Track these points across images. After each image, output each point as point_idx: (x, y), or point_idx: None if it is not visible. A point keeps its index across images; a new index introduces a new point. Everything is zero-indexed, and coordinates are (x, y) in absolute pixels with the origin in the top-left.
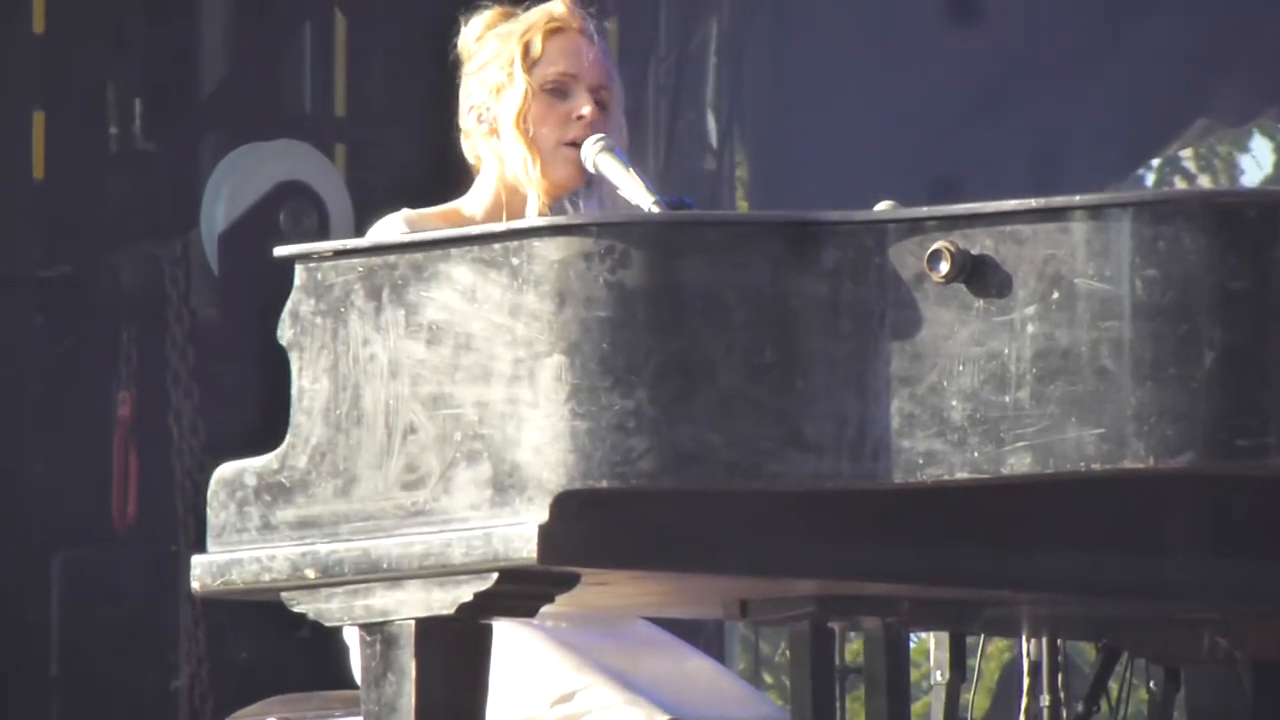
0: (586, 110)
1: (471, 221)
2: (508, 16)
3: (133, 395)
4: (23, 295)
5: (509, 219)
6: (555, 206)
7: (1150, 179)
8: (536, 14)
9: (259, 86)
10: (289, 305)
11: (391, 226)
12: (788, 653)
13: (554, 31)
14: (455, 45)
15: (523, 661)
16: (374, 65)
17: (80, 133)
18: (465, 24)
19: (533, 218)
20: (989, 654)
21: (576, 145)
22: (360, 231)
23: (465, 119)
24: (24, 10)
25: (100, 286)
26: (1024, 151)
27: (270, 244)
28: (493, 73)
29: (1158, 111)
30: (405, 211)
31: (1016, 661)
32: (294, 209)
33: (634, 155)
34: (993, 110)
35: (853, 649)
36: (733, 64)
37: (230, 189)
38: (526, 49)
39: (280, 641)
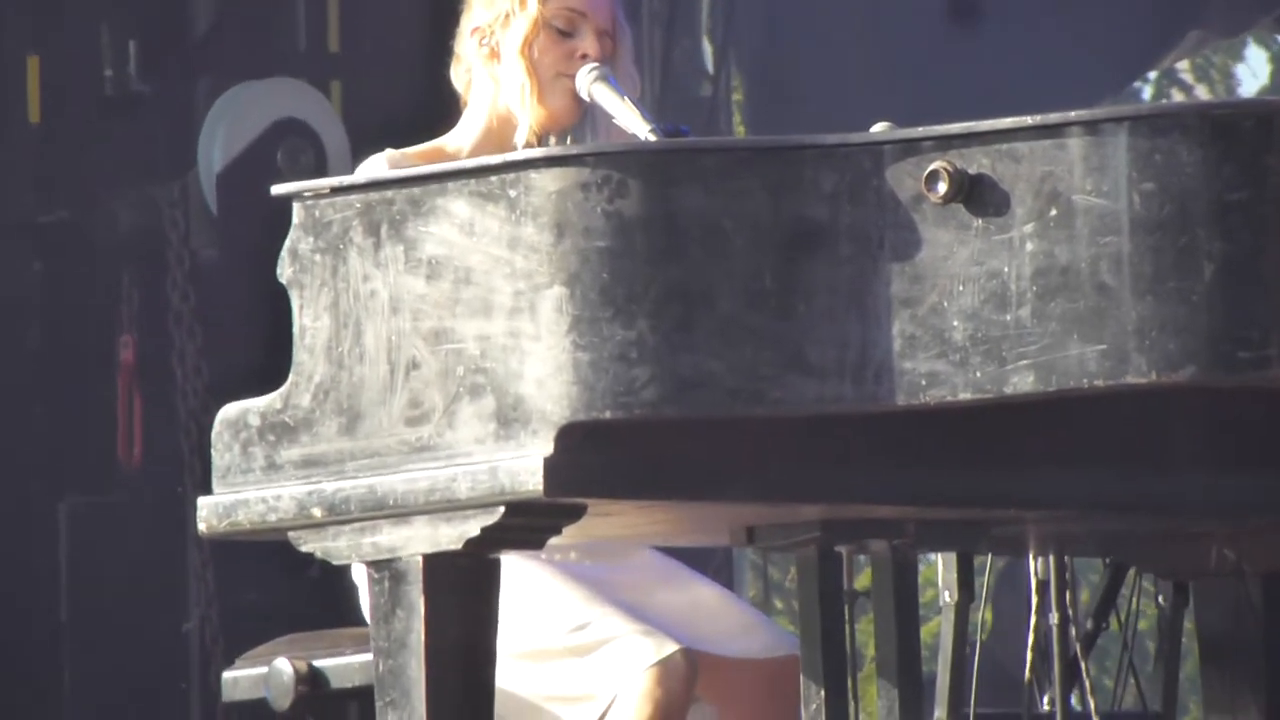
0: (591, 50)
1: (456, 157)
2: None
3: (135, 338)
4: (21, 242)
5: (499, 149)
6: (544, 141)
7: (1147, 92)
8: None
9: (252, 25)
10: (288, 243)
11: (376, 167)
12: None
13: None
14: None
15: (532, 594)
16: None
17: (75, 76)
18: None
19: (529, 150)
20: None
21: (575, 78)
22: (357, 167)
23: (464, 42)
24: None
25: (99, 230)
26: (1016, 62)
27: (268, 183)
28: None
29: (1152, 23)
30: (389, 152)
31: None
32: (291, 147)
33: (640, 85)
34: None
35: (863, 579)
36: None
37: (226, 129)
38: None
39: (289, 581)
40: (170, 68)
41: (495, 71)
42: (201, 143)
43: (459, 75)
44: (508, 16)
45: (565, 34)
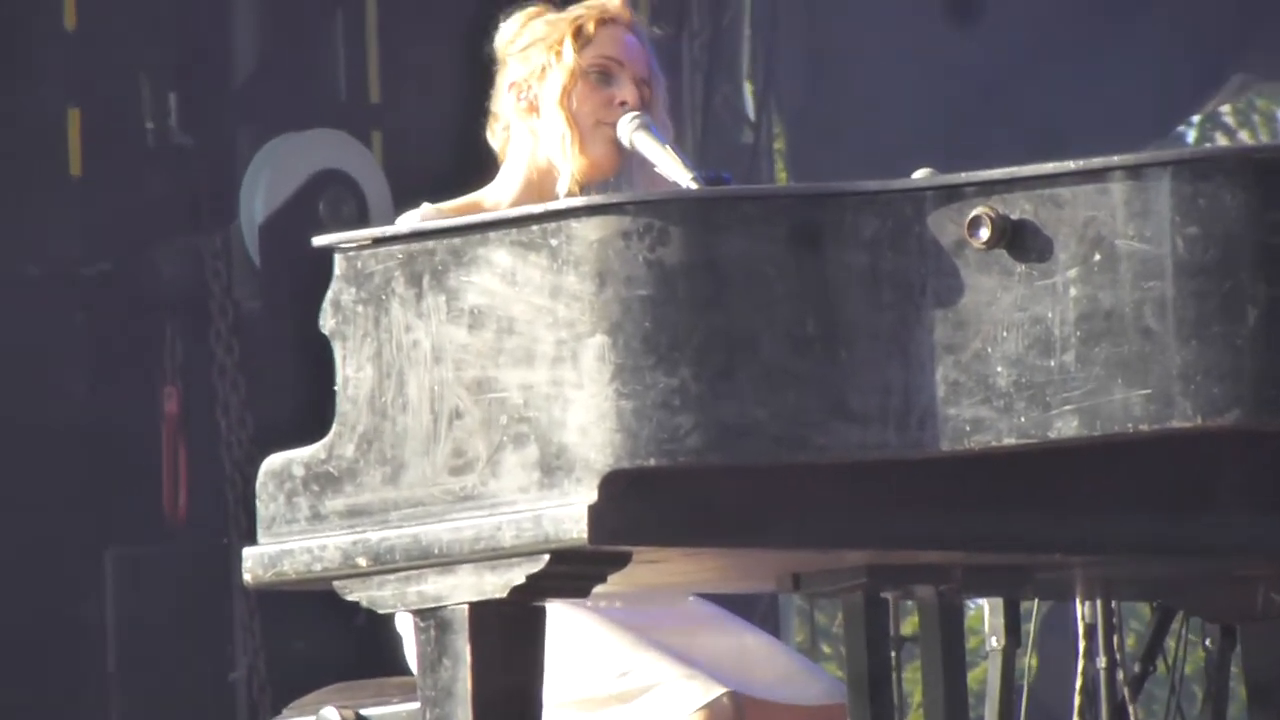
0: (629, 98)
1: (494, 210)
2: (544, 12)
3: (179, 390)
4: (64, 294)
5: (539, 201)
6: (585, 192)
7: (1191, 136)
8: (590, 4)
9: (293, 75)
10: (330, 294)
11: (412, 222)
12: None
13: (604, 21)
14: (492, 41)
15: (578, 642)
16: (407, 50)
17: (116, 128)
18: (505, 19)
19: (569, 198)
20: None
21: (615, 127)
22: (399, 217)
23: (500, 100)
24: (55, 7)
25: (141, 282)
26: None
27: (310, 233)
28: (538, 52)
29: (1195, 68)
30: (425, 206)
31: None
32: (332, 197)
33: (675, 133)
34: (1019, 82)
35: (910, 625)
36: (767, 36)
37: (268, 179)
38: (578, 30)
39: (336, 630)
40: (211, 119)
41: (534, 125)
42: (243, 194)
43: (495, 134)
44: (544, 69)
45: (603, 83)
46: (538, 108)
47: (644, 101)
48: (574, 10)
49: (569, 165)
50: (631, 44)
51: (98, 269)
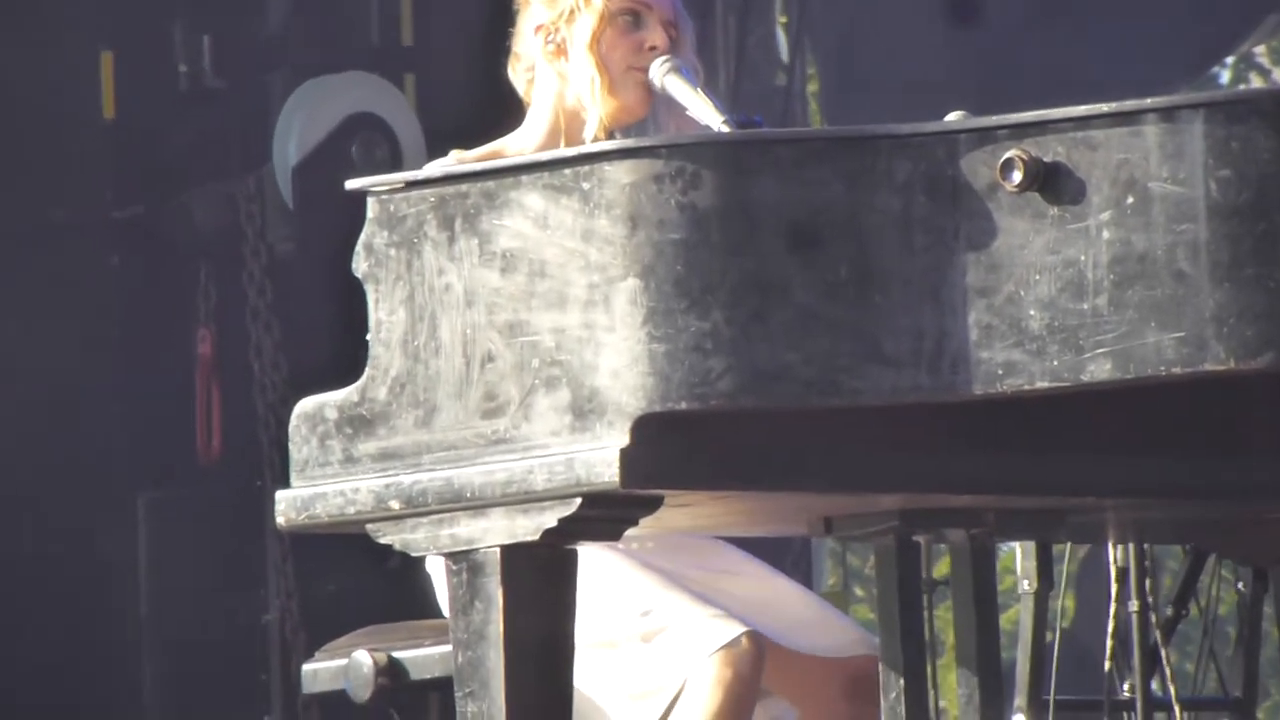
0: (658, 41)
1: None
2: None
3: (212, 332)
4: (97, 237)
5: (568, 145)
6: (613, 136)
7: (1225, 76)
8: None
9: (326, 19)
10: (363, 238)
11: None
12: None
13: None
14: None
15: (604, 582)
16: None
17: (149, 72)
18: None
19: (601, 142)
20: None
21: (645, 71)
22: (431, 159)
23: (524, 40)
24: None
25: (175, 225)
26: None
27: (343, 177)
28: None
29: (1231, 7)
30: (454, 153)
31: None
32: (365, 141)
33: (704, 75)
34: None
35: (942, 567)
36: None
37: (301, 123)
38: None
39: (368, 572)
40: (244, 63)
41: (561, 68)
42: (277, 137)
43: (518, 75)
44: (572, 12)
45: (631, 27)
46: (566, 51)
47: (672, 43)
48: None
49: (597, 110)
50: None
51: (131, 212)
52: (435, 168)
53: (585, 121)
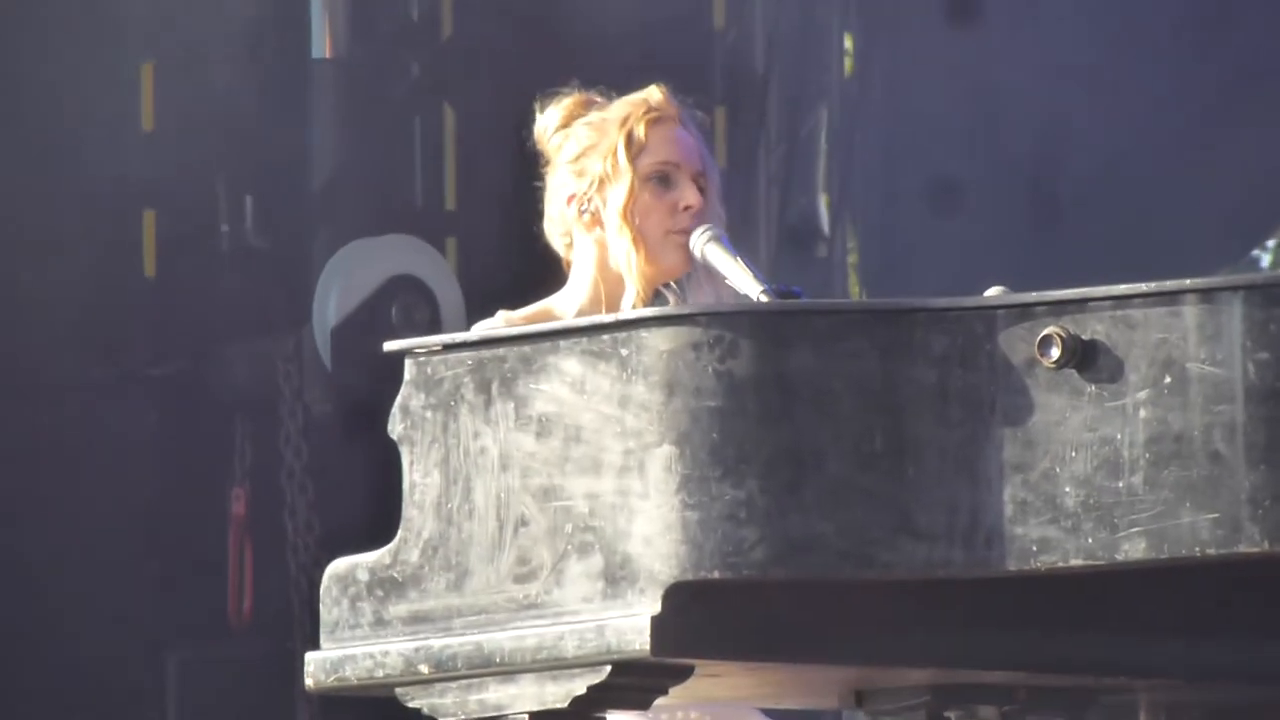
0: (693, 200)
1: (564, 318)
2: (588, 103)
3: (247, 492)
4: (136, 393)
5: (609, 310)
6: (655, 295)
7: (1265, 260)
8: (633, 102)
9: (369, 181)
10: (399, 400)
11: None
12: None
13: (655, 120)
14: (530, 134)
15: None
16: (484, 158)
17: (191, 230)
18: (541, 112)
19: (640, 308)
20: None
21: (684, 233)
22: (472, 324)
23: (558, 209)
24: (133, 107)
25: (213, 383)
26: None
27: (383, 339)
28: (593, 162)
29: (1274, 190)
30: (501, 313)
31: None
32: (406, 303)
33: (745, 243)
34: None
35: None
36: (843, 151)
37: (342, 284)
38: (630, 138)
39: None
40: (287, 222)
41: (599, 236)
42: (317, 298)
43: (554, 238)
44: (603, 182)
45: (663, 188)
46: (601, 221)
47: (703, 193)
48: (619, 110)
49: (634, 281)
50: (684, 139)
51: (170, 369)
52: (482, 328)
53: (624, 289)
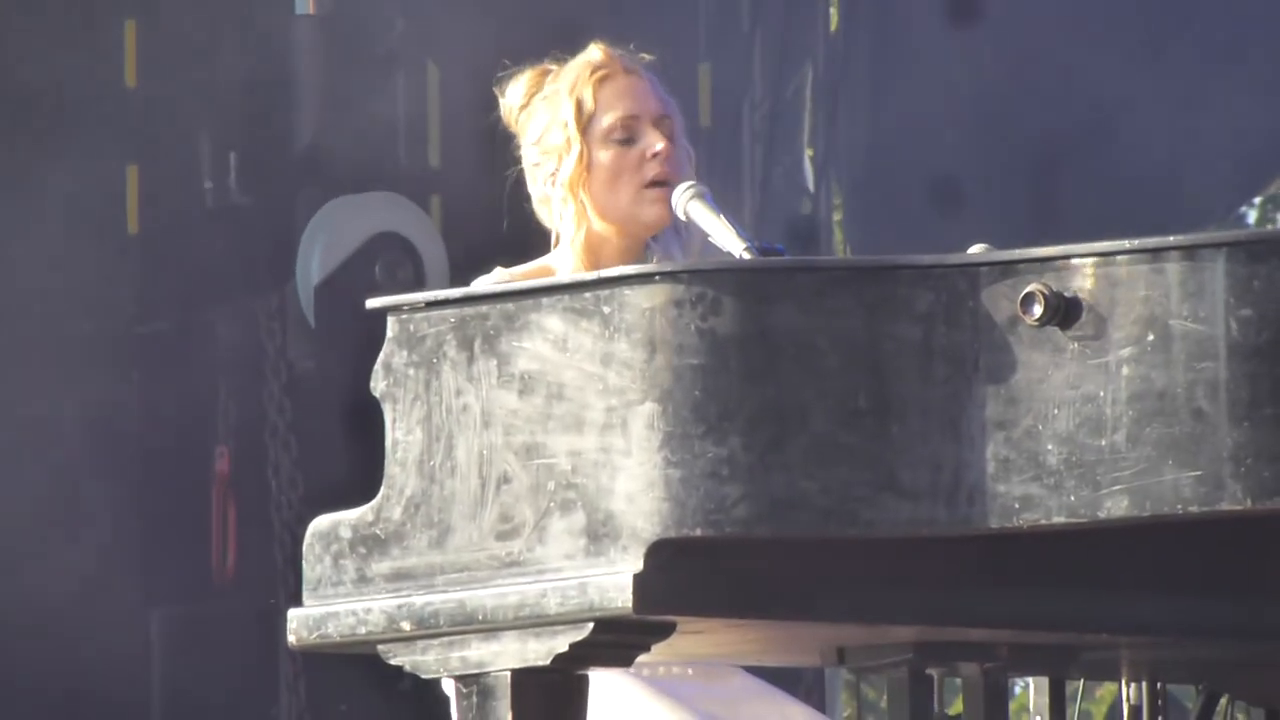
0: (660, 146)
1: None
2: (544, 74)
3: (230, 450)
4: (119, 352)
5: (596, 267)
6: (642, 255)
7: (1252, 217)
8: (577, 67)
9: (353, 139)
10: (381, 357)
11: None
12: None
13: (602, 80)
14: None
15: (620, 710)
16: (467, 115)
17: (174, 187)
18: (503, 93)
19: (622, 266)
20: (1098, 697)
21: (658, 184)
22: (456, 282)
23: (538, 187)
24: (116, 64)
25: (196, 341)
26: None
27: (366, 296)
28: (555, 136)
29: (1260, 147)
30: (498, 270)
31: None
32: (389, 261)
33: (729, 200)
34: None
35: (956, 706)
36: (828, 108)
37: (325, 241)
38: (579, 106)
39: (381, 693)
40: (270, 180)
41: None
42: (300, 255)
43: (545, 215)
44: (560, 156)
45: (628, 142)
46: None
47: (668, 135)
48: (567, 78)
49: (576, 253)
50: (636, 88)
51: (153, 327)
52: (480, 284)
53: (612, 243)
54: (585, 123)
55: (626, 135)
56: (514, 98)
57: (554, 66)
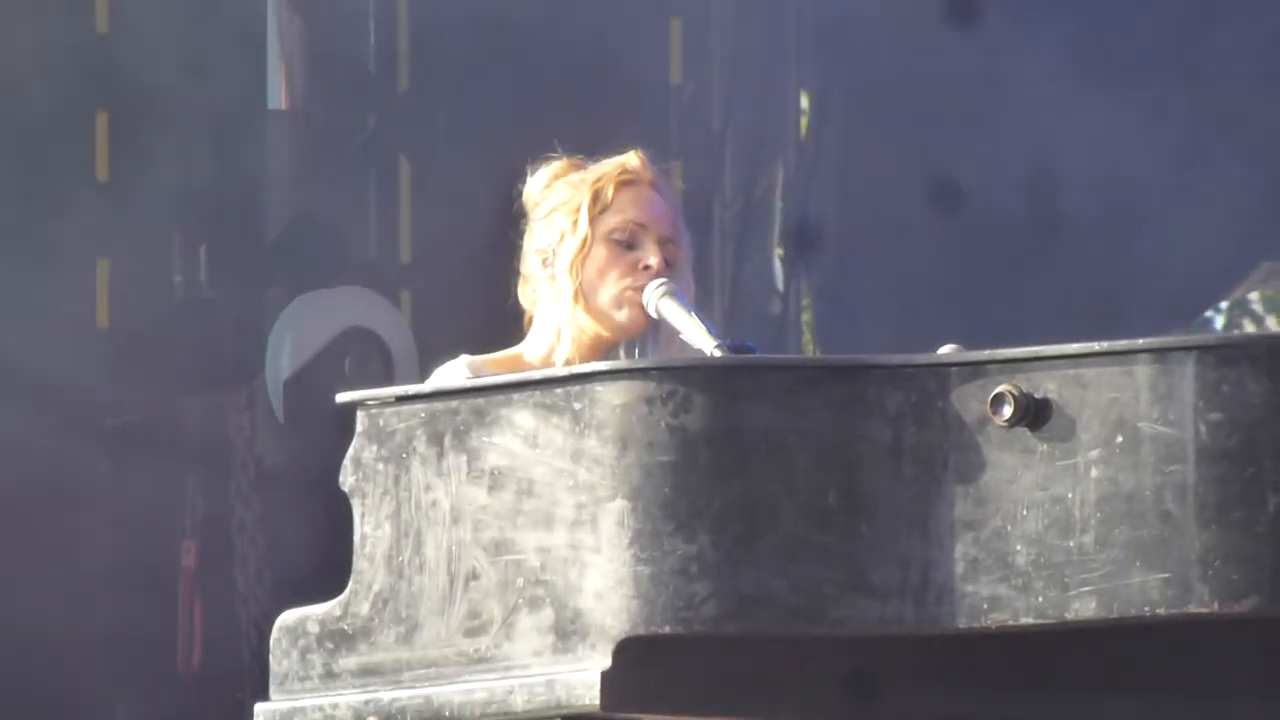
0: (654, 261)
1: (532, 366)
2: (577, 167)
3: (197, 544)
4: (87, 444)
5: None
6: (610, 353)
7: (1219, 322)
8: (610, 164)
9: (324, 234)
10: (351, 451)
11: (454, 372)
12: None
13: (626, 183)
14: (519, 191)
15: None
16: (438, 211)
17: (144, 281)
18: (532, 174)
19: (591, 363)
20: None
21: (641, 291)
22: (425, 377)
23: (528, 263)
24: (87, 155)
25: (165, 434)
26: None
27: (336, 390)
28: (560, 218)
29: (1225, 253)
30: (466, 357)
31: None
32: (359, 355)
33: (699, 300)
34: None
35: None
36: (798, 208)
37: (295, 336)
38: (596, 196)
39: None
40: (241, 274)
41: (557, 290)
42: (270, 348)
43: (526, 294)
44: (563, 236)
45: (627, 246)
46: (556, 274)
47: (670, 259)
48: (596, 170)
49: (569, 334)
50: (654, 202)
51: (123, 420)
52: (447, 370)
53: (588, 339)
54: (596, 213)
55: (628, 240)
56: (540, 178)
57: (588, 163)
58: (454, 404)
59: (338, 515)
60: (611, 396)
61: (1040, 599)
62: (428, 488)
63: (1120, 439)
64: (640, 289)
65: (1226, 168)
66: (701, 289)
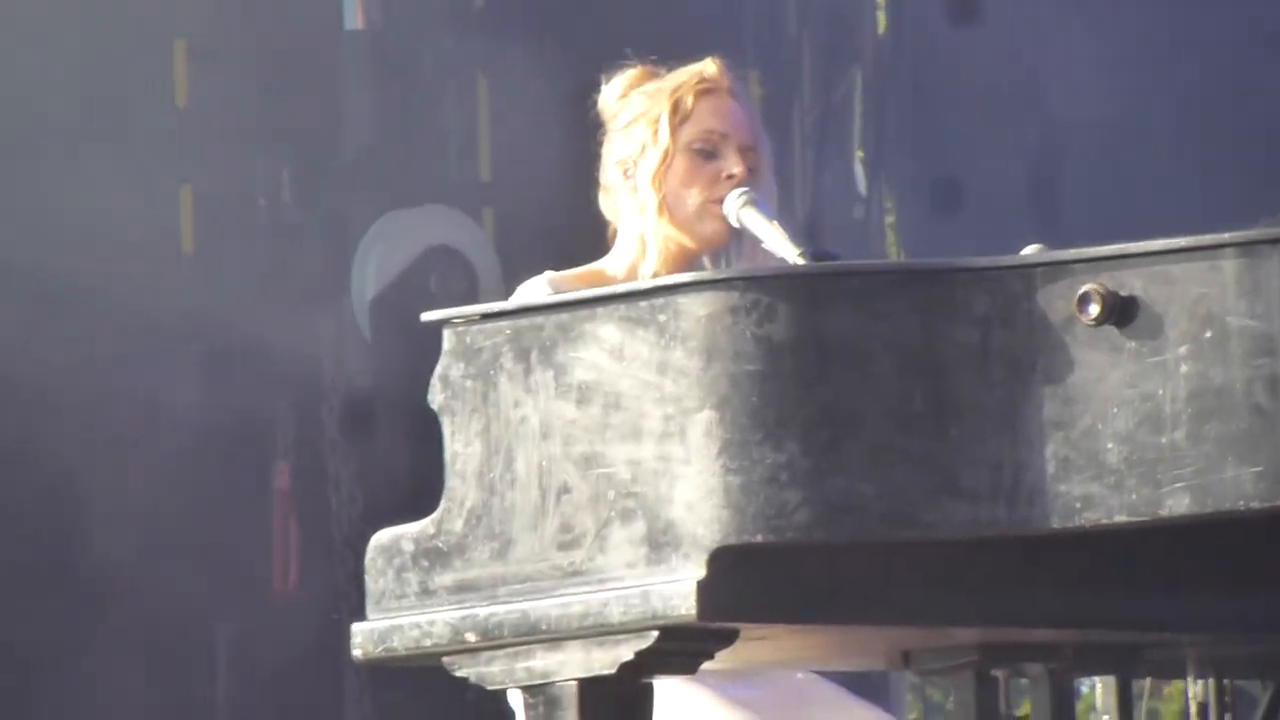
0: (736, 170)
1: (614, 281)
2: (651, 75)
3: (289, 466)
4: (176, 370)
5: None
6: (694, 263)
7: None
8: (687, 73)
9: (405, 153)
10: (438, 370)
11: (536, 289)
12: None
13: (705, 91)
14: (596, 104)
15: (684, 716)
16: (518, 127)
17: (228, 205)
18: (607, 83)
19: (679, 274)
20: (1167, 695)
21: (723, 202)
22: (509, 294)
23: (609, 174)
24: (166, 84)
25: (254, 358)
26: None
27: (421, 309)
28: (640, 129)
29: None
30: (549, 274)
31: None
32: (443, 273)
33: (781, 207)
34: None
35: (1024, 708)
36: (878, 111)
37: (379, 256)
38: (676, 106)
39: (447, 705)
40: (323, 195)
41: (639, 201)
42: (355, 269)
43: (608, 204)
44: (644, 148)
45: (708, 156)
46: (639, 186)
47: (751, 167)
48: (673, 80)
49: (655, 246)
50: (734, 110)
51: (210, 344)
52: (529, 287)
53: (649, 253)
54: (677, 124)
55: (710, 149)
56: (616, 87)
57: (661, 71)
58: (539, 320)
59: (427, 433)
60: (696, 308)
61: (1133, 496)
62: (516, 404)
63: (1208, 334)
64: (722, 200)
65: (1228, 167)
66: (783, 196)
